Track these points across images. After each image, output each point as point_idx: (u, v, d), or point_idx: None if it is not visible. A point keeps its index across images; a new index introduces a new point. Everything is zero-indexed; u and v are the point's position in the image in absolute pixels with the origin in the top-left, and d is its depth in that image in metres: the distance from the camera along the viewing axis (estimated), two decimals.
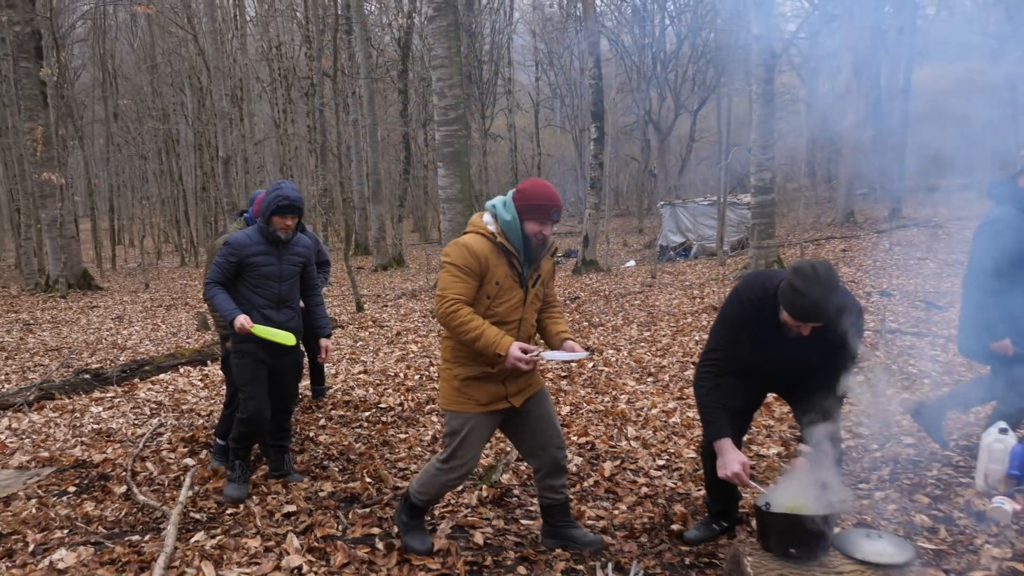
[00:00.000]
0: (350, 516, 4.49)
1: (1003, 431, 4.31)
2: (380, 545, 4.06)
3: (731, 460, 3.41)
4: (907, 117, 25.85)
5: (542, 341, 3.97)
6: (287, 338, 4.78)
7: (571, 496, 4.68)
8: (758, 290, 3.51)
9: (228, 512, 4.63)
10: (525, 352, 3.48)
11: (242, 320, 4.61)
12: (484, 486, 4.89)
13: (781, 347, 3.47)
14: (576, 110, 40.31)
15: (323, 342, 5.18)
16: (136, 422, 6.89)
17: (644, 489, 4.82)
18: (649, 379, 7.74)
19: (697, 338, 9.48)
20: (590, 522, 4.33)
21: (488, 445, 5.88)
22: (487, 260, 3.53)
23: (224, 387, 6.40)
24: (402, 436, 6.19)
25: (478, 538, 4.15)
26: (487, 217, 3.64)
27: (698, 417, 5.74)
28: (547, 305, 3.93)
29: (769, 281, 3.44)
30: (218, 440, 5.50)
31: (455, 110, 13.47)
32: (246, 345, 4.78)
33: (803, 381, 3.59)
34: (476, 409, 3.70)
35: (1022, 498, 4.11)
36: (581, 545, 3.97)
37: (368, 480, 5.08)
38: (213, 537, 4.21)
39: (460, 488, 4.95)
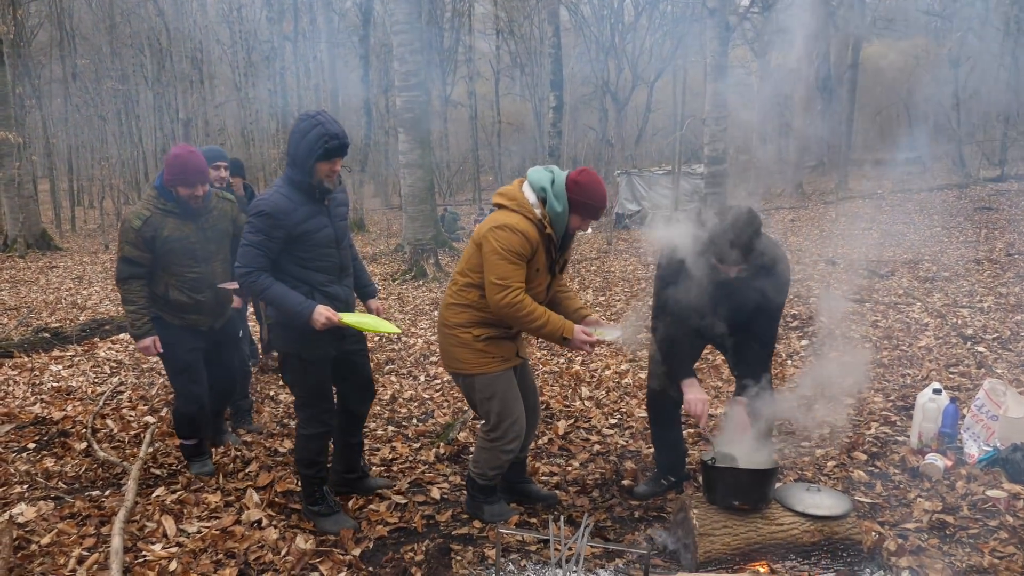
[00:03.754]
0: None
1: (936, 391, 4.42)
2: (336, 500, 4.06)
3: (696, 399, 3.54)
4: (855, 92, 26.16)
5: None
6: (388, 326, 3.70)
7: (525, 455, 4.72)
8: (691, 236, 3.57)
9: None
10: (587, 334, 3.47)
11: (327, 313, 3.47)
12: (441, 443, 4.90)
13: (715, 292, 3.52)
14: (536, 79, 39.97)
15: (374, 303, 4.15)
16: (96, 380, 6.77)
17: (596, 447, 4.87)
18: None
19: (651, 303, 9.54)
20: (544, 478, 4.37)
21: (446, 404, 5.89)
22: (536, 246, 3.42)
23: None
24: None
25: (435, 493, 4.17)
26: (531, 197, 3.44)
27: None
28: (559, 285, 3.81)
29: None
30: (184, 441, 4.55)
31: (416, 76, 13.28)
32: (318, 348, 3.64)
33: (737, 332, 3.65)
34: (503, 366, 3.63)
35: (953, 454, 4.24)
36: (536, 500, 4.01)
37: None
38: (173, 492, 4.18)
39: (418, 445, 4.96)
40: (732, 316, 3.59)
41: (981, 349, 6.52)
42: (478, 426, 5.20)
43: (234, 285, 4.30)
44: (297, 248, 3.52)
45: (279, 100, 26.26)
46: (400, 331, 4.15)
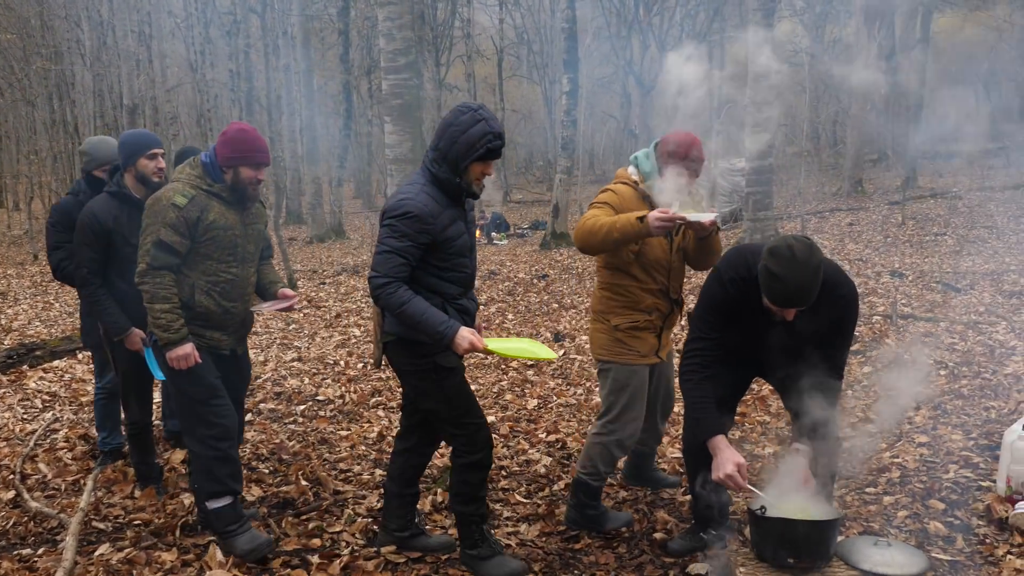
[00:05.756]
0: (283, 525, 4.48)
1: None
2: (317, 559, 4.06)
3: (725, 460, 3.46)
4: (925, 72, 26.21)
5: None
6: (544, 351, 3.92)
7: (539, 501, 4.74)
8: (741, 269, 3.55)
9: (138, 521, 4.59)
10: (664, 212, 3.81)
11: (472, 338, 3.56)
12: (439, 489, 4.91)
13: (768, 332, 3.53)
14: (546, 58, 40.14)
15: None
16: (25, 416, 6.80)
17: (622, 493, 4.88)
18: None
19: (683, 323, 9.56)
20: (561, 528, 4.38)
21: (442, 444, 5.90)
22: (630, 200, 4.06)
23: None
24: (343, 433, 6.19)
25: None
26: (631, 169, 4.21)
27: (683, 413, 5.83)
28: None
29: (753, 258, 3.46)
30: (215, 504, 4.11)
31: (405, 55, 13.34)
32: (452, 354, 3.70)
33: (794, 369, 3.65)
34: (638, 360, 4.19)
35: None
36: (663, 486, 4.85)
37: (304, 483, 5.07)
38: (121, 550, 4.18)
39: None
40: (788, 354, 3.59)
41: None
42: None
43: (278, 306, 4.41)
44: (435, 256, 3.66)
45: (243, 83, 26.42)
46: (556, 356, 4.24)
